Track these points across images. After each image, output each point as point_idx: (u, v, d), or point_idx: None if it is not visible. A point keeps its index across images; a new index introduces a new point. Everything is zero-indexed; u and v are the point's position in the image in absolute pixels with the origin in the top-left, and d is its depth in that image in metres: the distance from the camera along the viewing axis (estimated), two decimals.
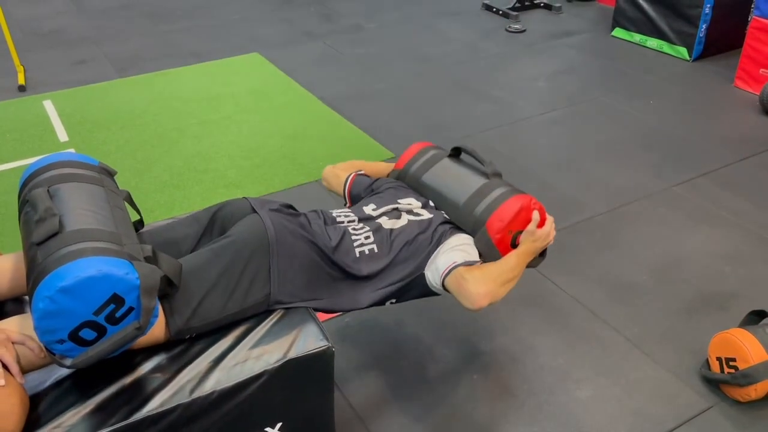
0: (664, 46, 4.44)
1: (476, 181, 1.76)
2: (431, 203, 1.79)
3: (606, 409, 1.89)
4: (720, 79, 4.06)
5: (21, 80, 3.99)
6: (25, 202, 1.36)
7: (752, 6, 4.13)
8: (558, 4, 5.29)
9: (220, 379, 1.31)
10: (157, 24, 5.13)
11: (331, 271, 1.58)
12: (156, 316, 1.28)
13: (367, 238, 1.64)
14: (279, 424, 1.43)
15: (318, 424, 1.52)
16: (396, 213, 1.72)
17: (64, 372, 1.32)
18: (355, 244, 1.62)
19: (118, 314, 1.22)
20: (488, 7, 5.33)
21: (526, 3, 5.32)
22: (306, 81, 4.04)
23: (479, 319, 2.22)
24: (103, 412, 1.24)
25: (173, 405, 1.26)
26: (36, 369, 1.29)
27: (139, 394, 1.28)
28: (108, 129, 3.48)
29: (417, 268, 1.63)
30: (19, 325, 1.27)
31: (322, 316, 2.13)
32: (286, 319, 1.47)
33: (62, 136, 3.40)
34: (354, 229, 1.66)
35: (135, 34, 4.92)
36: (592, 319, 2.22)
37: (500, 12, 5.21)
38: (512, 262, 1.60)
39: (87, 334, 1.21)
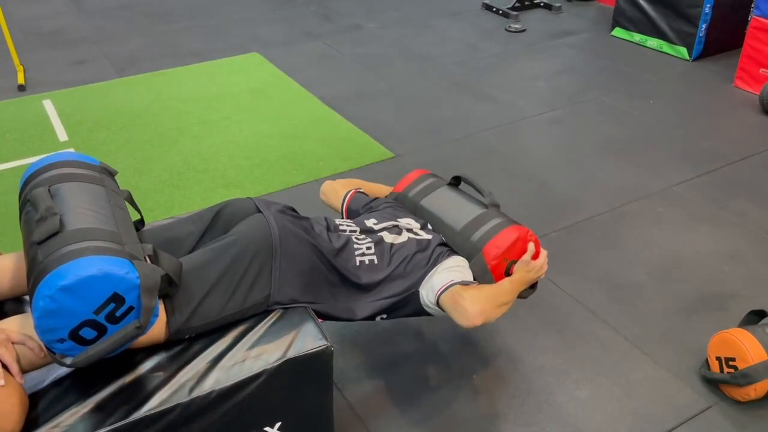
0: (664, 46, 4.44)
1: (475, 209, 1.81)
2: (429, 226, 1.82)
3: (605, 409, 1.89)
4: (720, 78, 4.06)
5: (21, 80, 3.99)
6: (26, 202, 1.36)
7: (752, 6, 4.13)
8: (558, 4, 5.29)
9: (219, 379, 1.31)
10: (156, 24, 5.13)
11: (331, 276, 1.59)
12: (156, 315, 1.28)
13: (368, 248, 1.66)
14: (278, 424, 1.43)
15: (317, 424, 1.52)
16: (397, 229, 1.76)
17: (63, 371, 1.32)
18: (357, 252, 1.64)
19: (118, 313, 1.22)
20: (488, 7, 5.33)
21: (526, 3, 5.32)
22: (306, 81, 4.04)
23: None
24: (101, 412, 1.24)
25: (172, 405, 1.26)
26: (36, 368, 1.29)
27: (138, 393, 1.28)
28: (108, 129, 3.48)
29: (412, 285, 1.65)
30: (19, 325, 1.27)
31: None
32: (285, 318, 1.48)
33: (62, 135, 3.40)
34: (357, 238, 1.69)
35: (135, 34, 4.92)
36: (591, 319, 2.22)
37: (500, 12, 5.21)
38: (507, 287, 1.64)
39: (87, 333, 1.21)
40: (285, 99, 3.84)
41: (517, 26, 4.90)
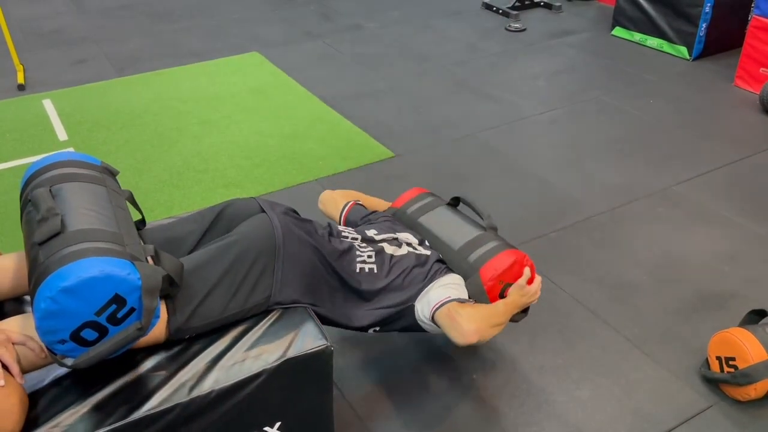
0: (664, 45, 4.44)
1: (473, 231, 1.84)
2: (426, 243, 1.84)
3: (605, 409, 1.89)
4: (720, 78, 4.05)
5: (20, 79, 3.99)
6: (27, 202, 1.36)
7: (752, 5, 4.12)
8: (558, 3, 5.29)
9: (219, 379, 1.31)
10: (156, 23, 5.13)
11: (331, 280, 1.60)
12: (158, 316, 1.28)
13: (369, 257, 1.68)
14: (278, 424, 1.43)
15: (317, 424, 1.52)
16: (396, 242, 1.78)
17: (62, 371, 1.32)
18: (358, 259, 1.66)
19: (119, 315, 1.22)
20: (488, 7, 5.33)
21: (526, 2, 5.31)
22: (306, 80, 4.04)
23: None
24: (101, 412, 1.24)
25: (172, 404, 1.26)
26: (37, 369, 1.29)
27: (137, 393, 1.28)
28: (107, 128, 3.48)
29: (409, 299, 1.67)
30: (19, 326, 1.27)
31: None
32: (284, 318, 1.47)
33: (62, 135, 3.40)
34: (359, 245, 1.70)
35: (134, 33, 4.92)
36: (591, 318, 2.22)
37: (500, 11, 5.21)
38: (501, 308, 1.66)
39: (88, 334, 1.21)
40: (285, 99, 3.84)
41: (517, 26, 4.90)
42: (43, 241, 1.22)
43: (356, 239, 1.73)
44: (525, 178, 3.04)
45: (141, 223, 1.57)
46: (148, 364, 1.35)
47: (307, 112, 3.67)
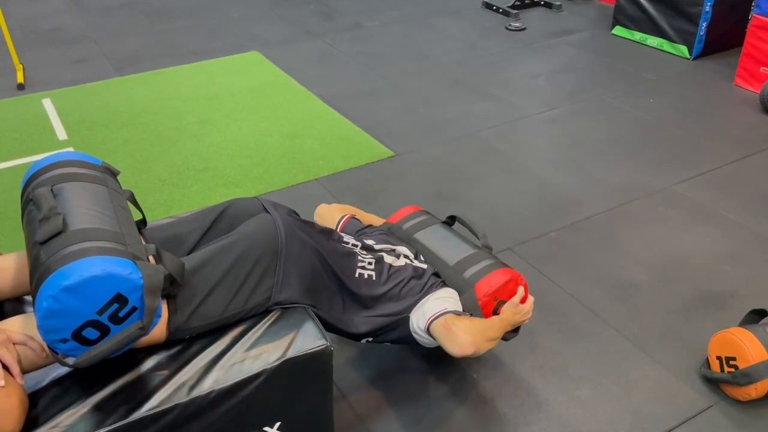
0: (665, 45, 4.43)
1: (468, 248, 1.88)
2: (421, 257, 1.86)
3: (605, 409, 1.89)
4: (720, 77, 4.05)
5: (20, 79, 3.98)
6: (28, 201, 1.36)
7: (753, 4, 4.12)
8: (558, 3, 5.28)
9: (219, 379, 1.31)
10: (156, 23, 5.12)
11: (331, 283, 1.60)
12: (159, 315, 1.28)
13: (369, 264, 1.69)
14: (278, 424, 1.43)
15: (317, 424, 1.52)
16: (395, 254, 1.80)
17: (62, 371, 1.32)
18: (359, 265, 1.67)
19: (121, 314, 1.22)
20: (488, 6, 5.33)
21: (526, 1, 5.31)
22: (305, 79, 4.03)
23: None
24: (101, 412, 1.24)
25: (171, 405, 1.26)
26: (38, 369, 1.29)
27: (137, 393, 1.28)
28: (107, 128, 3.47)
29: (404, 310, 1.68)
30: (20, 325, 1.27)
31: None
32: (284, 318, 1.47)
33: (61, 134, 3.40)
34: (360, 252, 1.72)
35: (134, 32, 4.91)
36: (591, 318, 2.22)
37: (500, 10, 5.20)
38: (496, 324, 1.69)
39: (90, 333, 1.21)
40: (285, 98, 3.83)
41: (517, 25, 4.89)
42: (45, 240, 1.22)
43: (356, 246, 1.75)
44: (525, 177, 3.04)
45: (142, 223, 1.57)
46: (148, 364, 1.35)
47: (306, 111, 3.67)
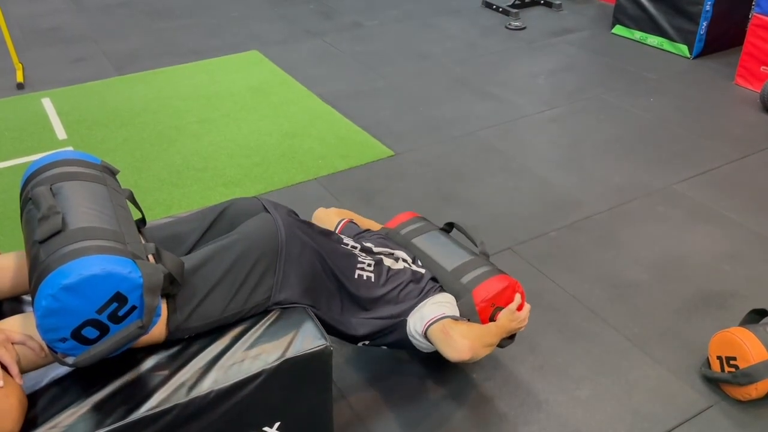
0: (665, 44, 4.43)
1: (466, 255, 1.88)
2: (419, 262, 1.86)
3: (605, 409, 1.88)
4: (720, 76, 4.05)
5: (19, 78, 3.98)
6: (27, 200, 1.36)
7: (753, 3, 4.11)
8: (558, 2, 5.28)
9: (218, 379, 1.31)
10: (155, 22, 5.12)
11: (330, 284, 1.60)
12: (159, 315, 1.28)
13: (369, 265, 1.69)
14: (277, 424, 1.43)
15: (316, 424, 1.52)
16: (393, 257, 1.81)
17: (61, 371, 1.31)
18: (358, 266, 1.67)
19: (120, 313, 1.22)
20: (488, 5, 5.32)
21: (526, 0, 5.30)
22: (305, 79, 4.03)
23: None
24: (100, 412, 1.24)
25: (171, 405, 1.26)
26: (37, 368, 1.29)
27: (136, 393, 1.28)
28: (106, 127, 3.47)
29: (401, 313, 1.68)
30: (19, 325, 1.27)
31: None
32: (284, 318, 1.47)
33: (60, 134, 3.39)
34: (359, 253, 1.72)
35: (134, 31, 4.91)
36: (591, 318, 2.21)
37: (500, 9, 5.20)
38: (493, 330, 1.69)
39: (89, 332, 1.21)
40: (284, 97, 3.83)
41: (517, 24, 4.89)
42: (44, 239, 1.22)
43: (356, 248, 1.75)
44: (525, 176, 3.04)
45: (141, 222, 1.56)
46: (147, 364, 1.34)
47: (306, 110, 3.67)
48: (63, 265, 1.16)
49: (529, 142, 3.37)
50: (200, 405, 1.29)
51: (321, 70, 4.19)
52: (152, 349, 1.37)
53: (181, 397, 1.27)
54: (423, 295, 1.70)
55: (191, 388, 1.29)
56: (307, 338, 1.41)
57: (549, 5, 5.33)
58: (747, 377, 1.81)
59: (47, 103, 3.72)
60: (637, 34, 4.59)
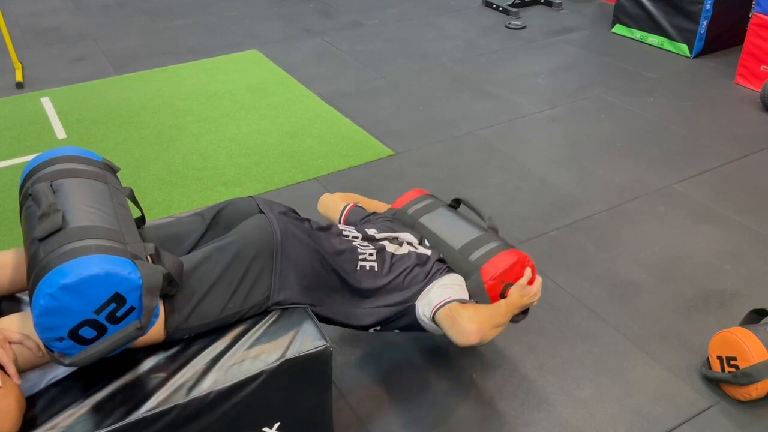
0: (665, 43, 4.42)
1: (474, 231, 1.84)
2: (426, 242, 1.84)
3: (605, 409, 1.88)
4: (721, 76, 4.04)
5: (19, 77, 3.97)
6: (27, 196, 1.35)
7: (753, 2, 4.11)
8: (558, 1, 5.27)
9: (218, 380, 1.31)
10: (155, 21, 5.11)
11: (331, 279, 1.59)
12: (157, 316, 1.27)
13: (370, 255, 1.67)
14: (277, 424, 1.42)
15: (316, 424, 1.52)
16: (397, 241, 1.78)
17: (60, 372, 1.31)
18: (359, 257, 1.65)
19: (119, 313, 1.21)
20: (488, 4, 5.32)
21: (526, 0, 5.30)
22: (305, 78, 4.03)
23: None
24: (99, 413, 1.23)
25: (170, 405, 1.26)
26: (34, 368, 1.28)
27: (135, 394, 1.27)
28: (106, 126, 3.47)
29: (409, 298, 1.66)
30: (17, 324, 1.27)
31: None
32: (284, 319, 1.47)
33: (60, 133, 3.39)
34: (359, 244, 1.70)
35: (133, 31, 4.90)
36: (591, 317, 2.21)
37: (500, 9, 5.19)
38: (503, 309, 1.65)
39: (87, 332, 1.20)
40: (284, 96, 3.83)
41: (517, 23, 4.88)
42: (44, 237, 1.21)
43: (357, 237, 1.73)
44: (525, 176, 3.04)
45: (141, 221, 1.56)
46: (147, 364, 1.34)
47: (306, 110, 3.66)
48: (62, 264, 1.15)
49: (529, 141, 3.36)
50: (200, 406, 1.28)
51: (320, 70, 4.18)
52: (152, 349, 1.37)
53: (181, 398, 1.27)
54: (429, 278, 1.68)
55: (191, 388, 1.29)
56: (308, 339, 1.41)
57: (549, 4, 5.32)
58: (747, 377, 1.81)
59: (46, 103, 3.72)
60: (638, 34, 4.59)
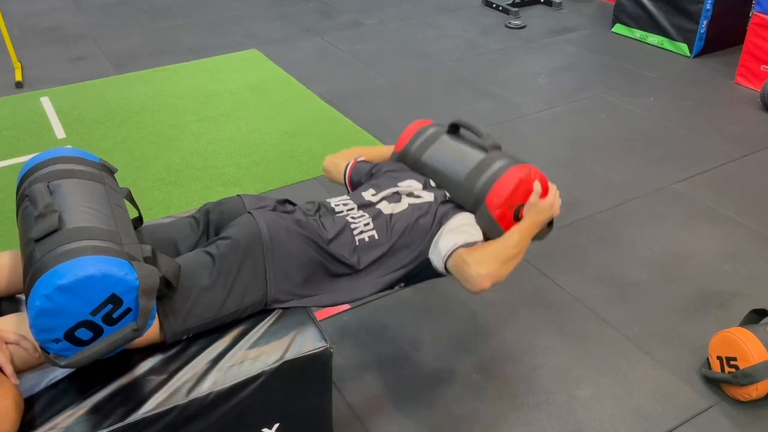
0: (665, 43, 4.42)
1: (475, 156, 1.71)
2: (432, 183, 1.75)
3: (606, 409, 1.88)
4: (721, 75, 4.04)
5: (18, 77, 3.97)
6: (23, 197, 1.34)
7: (753, 2, 4.11)
8: (558, 1, 5.27)
9: (217, 380, 1.30)
10: (154, 20, 5.11)
11: (330, 265, 1.55)
12: (154, 317, 1.27)
13: (366, 225, 1.60)
14: (276, 425, 1.42)
15: (316, 425, 1.51)
16: (396, 197, 1.69)
17: (59, 373, 1.31)
18: (355, 232, 1.59)
19: (115, 315, 1.21)
20: (488, 3, 5.31)
21: None
22: (305, 77, 4.02)
23: (478, 317, 2.21)
24: (98, 414, 1.23)
25: (170, 406, 1.25)
26: (31, 369, 1.28)
27: (135, 395, 1.27)
28: (105, 126, 3.46)
29: (420, 253, 1.59)
30: (13, 325, 1.26)
31: (320, 315, 2.13)
32: (284, 319, 1.46)
33: (59, 133, 3.39)
34: (353, 217, 1.63)
35: (133, 30, 4.90)
36: (591, 317, 2.21)
37: (500, 8, 5.19)
38: (514, 238, 1.55)
39: (83, 333, 1.19)
40: (284, 96, 3.82)
41: (517, 23, 4.88)
42: (40, 238, 1.21)
43: (351, 209, 1.65)
44: None
45: (138, 222, 1.55)
46: (146, 365, 1.34)
47: (306, 109, 3.66)
48: (58, 264, 1.15)
49: (529, 141, 3.36)
50: (199, 406, 1.28)
51: (321, 69, 4.18)
52: (151, 350, 1.36)
53: (180, 399, 1.26)
54: (437, 224, 1.60)
55: (190, 389, 1.28)
56: (308, 339, 1.40)
57: (549, 4, 5.32)
58: (747, 377, 1.81)
59: (46, 102, 3.72)
60: (637, 33, 4.58)
